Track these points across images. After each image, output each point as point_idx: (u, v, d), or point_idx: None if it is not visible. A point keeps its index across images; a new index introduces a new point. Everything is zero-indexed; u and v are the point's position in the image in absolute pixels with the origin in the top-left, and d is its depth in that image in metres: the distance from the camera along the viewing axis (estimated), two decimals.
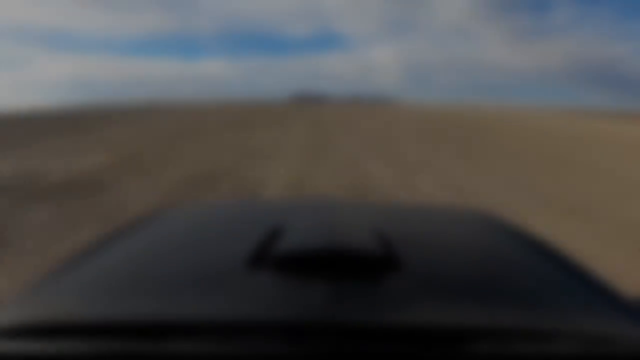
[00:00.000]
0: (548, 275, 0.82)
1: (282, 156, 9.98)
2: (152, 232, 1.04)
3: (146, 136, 14.90)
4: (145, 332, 0.56)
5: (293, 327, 0.57)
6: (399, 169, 8.70)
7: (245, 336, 0.54)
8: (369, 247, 0.77)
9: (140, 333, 0.56)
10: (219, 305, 0.63)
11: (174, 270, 0.78)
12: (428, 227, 1.14)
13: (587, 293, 0.76)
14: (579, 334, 0.58)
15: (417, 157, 10.63)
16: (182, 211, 1.30)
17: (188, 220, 1.19)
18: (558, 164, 10.17)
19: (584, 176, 8.50)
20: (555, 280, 0.80)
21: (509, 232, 1.11)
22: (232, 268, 0.74)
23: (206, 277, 0.72)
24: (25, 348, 0.54)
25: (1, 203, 5.49)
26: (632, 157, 12.31)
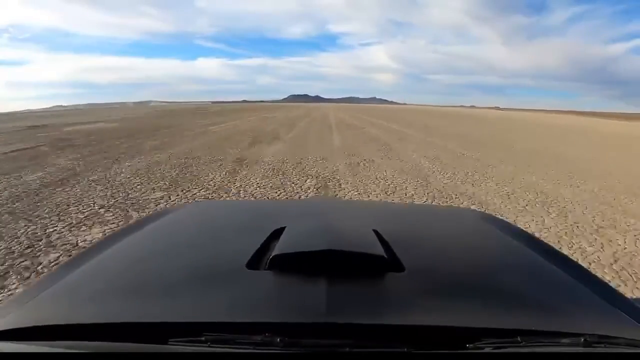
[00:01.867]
0: (548, 274, 0.82)
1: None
2: (150, 232, 1.03)
3: None
4: (145, 332, 0.56)
5: (293, 328, 0.57)
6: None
7: (245, 337, 0.54)
8: (369, 247, 0.77)
9: (140, 334, 0.56)
10: (219, 306, 0.63)
11: (174, 270, 0.77)
12: (427, 226, 1.14)
13: (587, 292, 0.76)
14: (579, 333, 0.58)
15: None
16: (181, 211, 1.29)
17: (187, 220, 1.18)
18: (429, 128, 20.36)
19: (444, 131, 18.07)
20: (556, 279, 0.80)
21: (507, 230, 1.11)
22: (232, 268, 0.74)
23: (206, 278, 0.72)
24: (25, 350, 0.54)
25: None
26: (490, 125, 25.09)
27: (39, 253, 3.35)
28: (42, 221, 4.19)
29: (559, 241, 3.80)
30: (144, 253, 0.90)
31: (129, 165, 7.53)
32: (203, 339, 0.53)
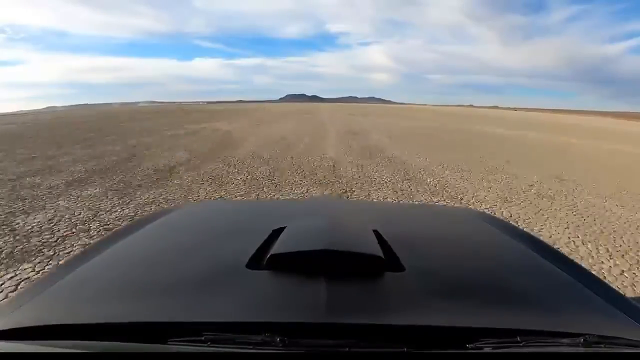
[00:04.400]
0: (548, 274, 0.82)
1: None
2: (150, 232, 1.03)
3: None
4: (144, 332, 0.56)
5: (292, 327, 0.57)
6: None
7: (244, 337, 0.54)
8: (368, 247, 0.77)
9: (140, 334, 0.56)
10: (219, 306, 0.63)
11: (174, 270, 0.77)
12: (426, 226, 1.14)
13: (587, 292, 0.76)
14: (579, 333, 0.58)
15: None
16: (181, 211, 1.29)
17: (187, 220, 1.18)
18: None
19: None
20: (556, 279, 0.80)
21: (507, 230, 1.11)
22: (232, 268, 0.74)
23: (205, 277, 0.72)
24: (25, 350, 0.53)
25: None
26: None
27: None
28: None
29: None
30: (143, 253, 0.90)
31: None
32: (203, 338, 0.53)
